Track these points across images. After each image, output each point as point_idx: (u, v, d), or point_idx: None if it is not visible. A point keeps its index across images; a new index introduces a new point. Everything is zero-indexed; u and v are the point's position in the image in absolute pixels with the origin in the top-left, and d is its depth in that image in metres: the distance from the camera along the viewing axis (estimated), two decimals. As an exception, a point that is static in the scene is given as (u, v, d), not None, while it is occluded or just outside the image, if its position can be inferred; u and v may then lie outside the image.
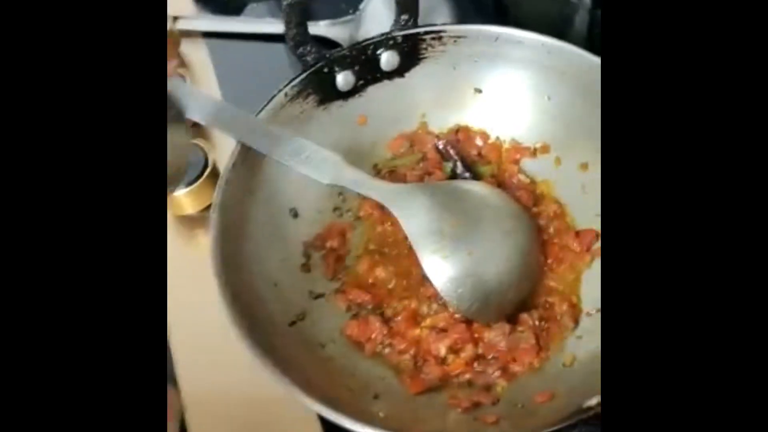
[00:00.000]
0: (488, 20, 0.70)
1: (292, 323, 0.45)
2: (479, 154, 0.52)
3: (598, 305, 0.46)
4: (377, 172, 0.52)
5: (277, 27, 0.69)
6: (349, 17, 0.71)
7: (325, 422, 0.47)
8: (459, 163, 0.51)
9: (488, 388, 0.43)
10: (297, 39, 0.49)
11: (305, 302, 0.47)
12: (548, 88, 0.51)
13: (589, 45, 0.61)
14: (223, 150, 0.52)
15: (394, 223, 0.49)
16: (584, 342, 0.44)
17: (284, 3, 0.48)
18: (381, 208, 0.49)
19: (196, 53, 0.71)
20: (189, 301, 0.46)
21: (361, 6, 0.69)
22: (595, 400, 0.37)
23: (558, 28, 0.62)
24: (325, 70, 0.50)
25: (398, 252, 0.49)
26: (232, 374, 0.46)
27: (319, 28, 0.70)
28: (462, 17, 0.68)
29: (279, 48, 0.70)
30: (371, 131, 0.53)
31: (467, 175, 0.51)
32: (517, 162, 0.52)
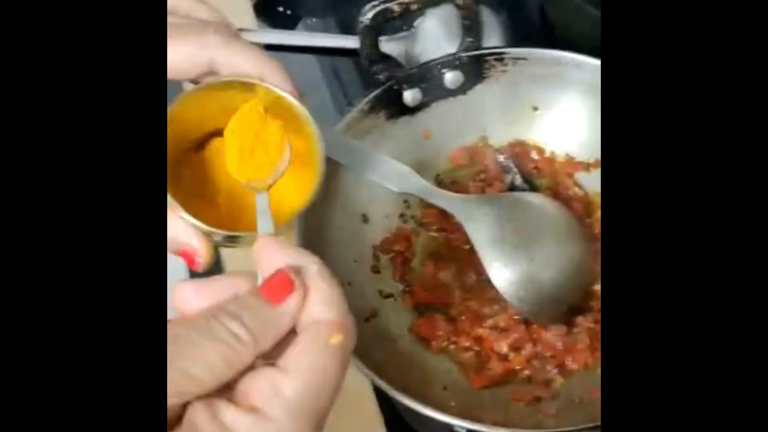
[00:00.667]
0: (537, 42, 0.74)
1: (367, 319, 0.49)
2: (535, 168, 0.56)
3: (648, 310, 0.49)
4: (439, 182, 0.56)
5: (334, 41, 0.74)
6: (404, 33, 0.74)
7: (386, 414, 0.52)
8: (518, 176, 0.55)
9: (547, 383, 0.47)
10: (371, 57, 0.53)
11: (376, 301, 0.51)
12: (600, 108, 0.54)
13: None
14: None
15: (454, 230, 0.53)
16: (636, 344, 0.48)
17: (361, 24, 0.52)
18: (442, 216, 0.53)
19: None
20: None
21: (416, 23, 0.73)
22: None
23: (599, 48, 0.65)
24: (395, 87, 0.54)
25: (458, 256, 0.53)
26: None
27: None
28: (513, 39, 0.72)
29: (336, 61, 0.74)
30: (435, 144, 0.57)
31: (525, 187, 0.55)
32: (571, 176, 0.56)
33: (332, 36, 0.74)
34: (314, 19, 0.81)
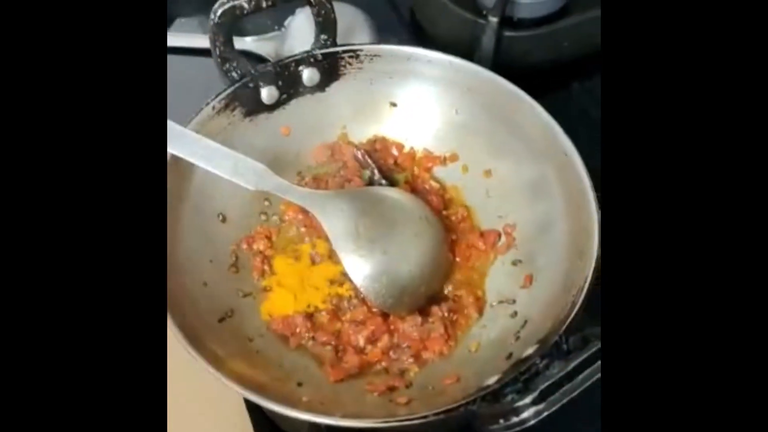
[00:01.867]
0: (407, 39, 0.76)
1: (221, 320, 0.49)
2: (395, 163, 0.57)
3: (501, 297, 0.51)
4: (301, 179, 0.56)
5: (205, 41, 0.73)
6: (274, 33, 0.74)
7: (254, 415, 0.51)
8: (376, 171, 0.56)
9: (402, 373, 0.48)
10: (223, 56, 0.53)
11: (234, 300, 0.50)
12: (456, 102, 0.56)
13: (495, 60, 0.67)
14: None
15: (315, 226, 0.53)
16: (487, 330, 0.50)
17: (211, 22, 0.51)
18: (304, 212, 0.53)
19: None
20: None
21: (286, 23, 0.73)
22: (492, 380, 0.42)
23: (468, 46, 0.67)
24: (251, 84, 0.54)
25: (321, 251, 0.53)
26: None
27: (245, 43, 0.74)
28: (382, 36, 0.73)
29: (208, 62, 0.73)
30: (295, 141, 0.57)
31: (383, 182, 0.55)
32: (429, 170, 0.57)
33: (199, 36, 0.73)
34: (185, 19, 0.79)
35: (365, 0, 0.78)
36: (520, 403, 0.36)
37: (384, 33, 0.76)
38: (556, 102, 0.71)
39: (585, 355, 0.38)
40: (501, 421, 0.37)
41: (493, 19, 0.66)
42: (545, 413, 0.36)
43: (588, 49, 0.72)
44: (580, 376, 0.37)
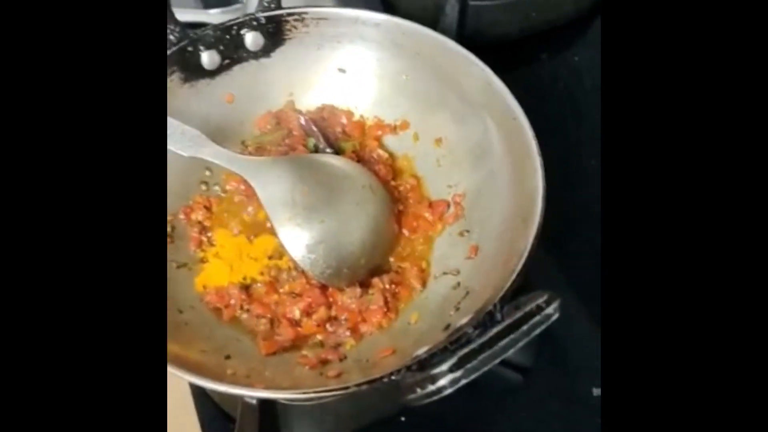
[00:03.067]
0: (372, 6, 0.73)
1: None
2: (344, 132, 0.55)
3: (445, 269, 0.49)
4: (245, 148, 0.54)
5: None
6: (237, 6, 0.72)
7: (194, 390, 0.49)
8: (321, 139, 0.53)
9: (337, 346, 0.46)
10: (160, 18, 0.50)
11: (168, 271, 0.48)
12: (405, 67, 0.53)
13: (460, 31, 0.64)
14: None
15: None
16: (430, 302, 0.47)
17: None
18: (246, 182, 0.51)
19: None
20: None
21: (248, -7, 0.71)
22: (422, 350, 0.40)
23: (434, 16, 0.65)
24: (190, 48, 0.52)
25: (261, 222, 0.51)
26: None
27: (208, 16, 0.72)
28: (347, 3, 0.70)
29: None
30: (239, 109, 0.54)
31: (329, 150, 0.53)
32: (378, 138, 0.54)
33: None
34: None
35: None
36: (437, 370, 0.34)
37: (347, 3, 0.74)
38: (525, 74, 0.69)
39: (508, 321, 0.35)
40: (418, 389, 0.34)
41: (457, -13, 0.63)
42: (463, 381, 0.34)
43: (556, 18, 0.69)
44: (501, 343, 0.35)
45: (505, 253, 0.45)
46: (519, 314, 0.36)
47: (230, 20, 0.53)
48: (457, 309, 0.44)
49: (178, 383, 0.48)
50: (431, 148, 0.53)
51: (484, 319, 0.40)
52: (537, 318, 0.35)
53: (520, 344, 0.35)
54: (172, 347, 0.42)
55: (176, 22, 0.51)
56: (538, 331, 0.35)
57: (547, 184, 0.44)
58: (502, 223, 0.46)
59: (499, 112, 0.48)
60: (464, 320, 0.41)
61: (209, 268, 0.49)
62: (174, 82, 0.52)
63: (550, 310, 0.35)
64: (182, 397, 0.50)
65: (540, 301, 0.36)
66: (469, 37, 0.65)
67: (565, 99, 0.68)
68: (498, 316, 0.39)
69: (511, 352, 0.35)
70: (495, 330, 0.35)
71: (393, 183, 0.52)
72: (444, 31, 0.64)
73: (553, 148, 0.46)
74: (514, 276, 0.41)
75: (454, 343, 0.39)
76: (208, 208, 0.52)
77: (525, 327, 0.35)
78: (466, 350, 0.35)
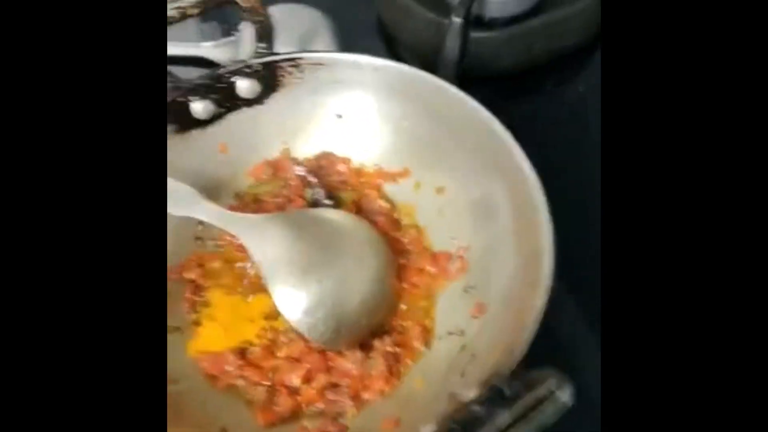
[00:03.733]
0: (371, 42, 0.72)
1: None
2: (342, 181, 0.53)
3: (450, 329, 0.46)
4: (240, 199, 0.52)
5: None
6: (231, 38, 0.71)
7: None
8: (320, 190, 0.51)
9: (338, 417, 0.44)
10: (149, 69, 0.48)
11: (160, 336, 0.46)
12: (404, 113, 0.51)
13: (462, 64, 0.63)
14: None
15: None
16: (434, 365, 0.45)
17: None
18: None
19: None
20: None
21: (240, 27, 0.69)
22: (428, 428, 0.38)
23: (435, 49, 0.63)
24: (181, 99, 0.50)
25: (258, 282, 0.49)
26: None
27: (200, 49, 0.70)
28: (345, 40, 0.69)
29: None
30: (233, 159, 0.52)
31: (327, 202, 0.51)
32: (378, 187, 0.52)
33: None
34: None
35: (328, 1, 0.74)
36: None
37: (347, 37, 0.72)
38: (527, 108, 0.67)
39: (520, 408, 0.33)
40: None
41: (457, 20, 0.61)
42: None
43: (560, 49, 0.67)
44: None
45: (512, 314, 0.42)
46: (530, 399, 0.34)
47: (222, 68, 0.51)
48: (462, 375, 0.42)
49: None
50: (433, 197, 0.51)
51: (492, 395, 0.37)
52: (550, 407, 0.33)
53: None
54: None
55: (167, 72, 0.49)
56: (551, 419, 0.33)
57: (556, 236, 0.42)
58: (508, 279, 0.44)
59: (503, 162, 0.46)
60: (470, 394, 0.38)
61: (203, 332, 0.47)
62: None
63: (564, 397, 0.33)
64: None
65: (550, 384, 0.34)
66: (471, 68, 0.63)
67: (570, 129, 0.66)
68: (507, 392, 0.37)
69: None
70: (509, 418, 0.33)
71: (394, 235, 0.50)
72: (444, 65, 0.62)
73: (558, 178, 0.44)
74: (521, 347, 0.39)
75: (459, 422, 0.37)
76: (201, 266, 0.50)
77: (537, 414, 0.33)
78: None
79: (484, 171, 0.48)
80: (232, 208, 0.49)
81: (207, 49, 0.70)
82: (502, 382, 0.38)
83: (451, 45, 0.62)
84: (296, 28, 0.67)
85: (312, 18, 0.70)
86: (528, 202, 0.44)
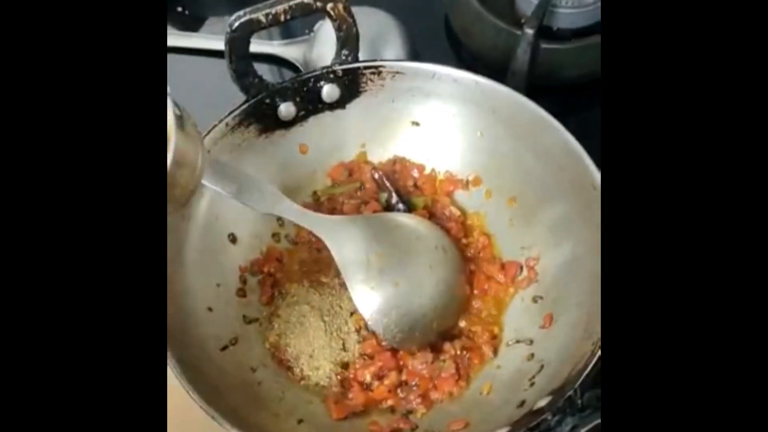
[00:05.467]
0: (440, 49, 0.73)
1: (224, 348, 0.47)
2: (415, 185, 0.55)
3: (518, 337, 0.48)
4: (316, 198, 0.54)
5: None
6: (303, 38, 0.72)
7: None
8: (394, 194, 0.53)
9: (408, 414, 0.46)
10: (239, 71, 0.51)
11: (239, 327, 0.49)
12: (480, 123, 0.53)
13: (530, 72, 0.64)
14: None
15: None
16: (501, 372, 0.47)
17: (226, 36, 0.50)
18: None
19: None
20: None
21: (316, 27, 0.71)
22: (501, 431, 0.40)
23: (503, 57, 0.64)
24: (267, 100, 0.52)
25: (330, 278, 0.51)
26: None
27: (274, 47, 0.72)
28: (414, 47, 0.70)
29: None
30: (312, 159, 0.54)
31: (401, 206, 0.53)
32: (450, 194, 0.54)
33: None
34: (217, 18, 0.78)
35: (399, 5, 0.75)
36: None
37: (417, 40, 0.74)
38: (591, 120, 0.68)
39: (593, 418, 0.35)
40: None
41: (529, 31, 0.62)
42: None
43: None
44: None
45: (582, 327, 0.44)
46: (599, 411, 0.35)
47: (308, 73, 0.53)
48: (532, 384, 0.44)
49: None
50: (504, 207, 0.53)
51: (564, 404, 0.39)
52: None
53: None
54: (247, 410, 0.43)
55: (254, 74, 0.51)
56: None
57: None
58: (578, 295, 0.46)
59: (578, 179, 0.48)
60: (543, 402, 0.40)
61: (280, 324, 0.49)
62: (251, 133, 0.52)
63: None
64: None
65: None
66: (539, 78, 0.64)
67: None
68: (579, 403, 0.39)
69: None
70: (587, 428, 0.35)
71: (464, 241, 0.52)
72: (513, 74, 0.64)
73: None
74: (595, 359, 0.40)
75: (532, 428, 0.39)
76: (279, 260, 0.52)
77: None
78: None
79: (557, 185, 0.49)
80: (309, 207, 0.51)
81: (281, 47, 0.72)
82: (574, 392, 0.39)
83: (522, 55, 0.63)
84: (368, 31, 0.68)
85: (383, 21, 0.71)
86: (598, 213, 0.45)
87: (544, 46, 0.64)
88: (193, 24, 0.78)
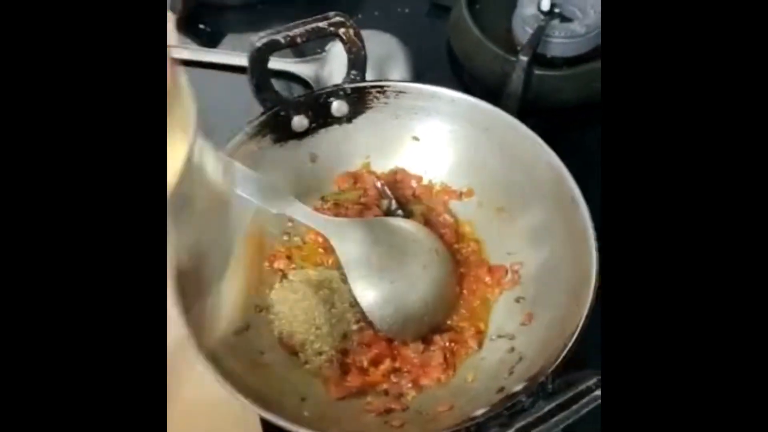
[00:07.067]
0: (442, 71, 0.78)
1: (237, 332, 0.52)
2: (413, 194, 0.60)
3: (501, 332, 0.54)
4: (324, 203, 0.60)
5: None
6: (316, 56, 0.78)
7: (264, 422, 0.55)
8: (393, 201, 0.59)
9: (400, 397, 0.51)
10: (259, 86, 0.56)
11: (250, 315, 0.54)
12: (474, 140, 0.59)
13: (523, 96, 0.69)
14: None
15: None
16: (485, 362, 0.52)
17: (249, 55, 0.55)
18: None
19: (174, 80, 0.78)
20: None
21: (327, 47, 0.76)
22: (480, 411, 0.45)
23: (499, 80, 0.70)
24: (282, 113, 0.58)
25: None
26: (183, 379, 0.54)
27: (288, 65, 0.78)
28: (417, 68, 0.76)
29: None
30: (321, 168, 0.60)
31: (399, 212, 0.58)
32: (445, 203, 0.60)
33: (243, 55, 0.77)
34: (235, 35, 0.84)
35: (405, 30, 0.81)
36: (491, 433, 0.39)
37: (420, 62, 0.79)
38: (577, 140, 0.74)
39: (560, 400, 0.40)
40: (474, 450, 0.39)
41: (524, 59, 0.68)
42: (515, 449, 0.39)
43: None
44: (554, 419, 0.40)
45: (558, 324, 0.49)
46: (570, 393, 0.41)
47: (320, 90, 0.59)
48: (511, 373, 0.49)
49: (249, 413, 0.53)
50: (493, 217, 0.58)
51: (537, 389, 0.44)
52: (586, 399, 0.40)
53: (570, 420, 0.40)
54: (259, 388, 0.48)
55: (272, 89, 0.57)
56: (585, 411, 0.40)
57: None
58: (556, 296, 0.51)
59: (559, 193, 0.53)
60: (518, 387, 0.46)
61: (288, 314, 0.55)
62: (267, 141, 0.57)
63: (598, 392, 0.40)
64: (253, 426, 0.56)
65: (590, 383, 0.41)
66: (531, 101, 0.70)
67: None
68: (549, 387, 0.44)
69: (562, 426, 0.40)
70: (549, 406, 0.40)
71: (456, 246, 0.58)
72: (507, 97, 0.69)
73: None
74: (564, 352, 0.45)
75: (509, 408, 0.44)
76: (289, 258, 0.57)
77: (575, 406, 0.40)
78: (523, 422, 0.39)
79: (541, 198, 0.55)
80: (317, 210, 0.57)
81: (295, 65, 0.78)
82: (546, 379, 0.45)
83: (516, 79, 0.69)
84: (375, 52, 0.74)
85: (389, 43, 0.76)
86: (580, 230, 0.51)
87: (537, 72, 0.69)
88: (212, 40, 0.83)
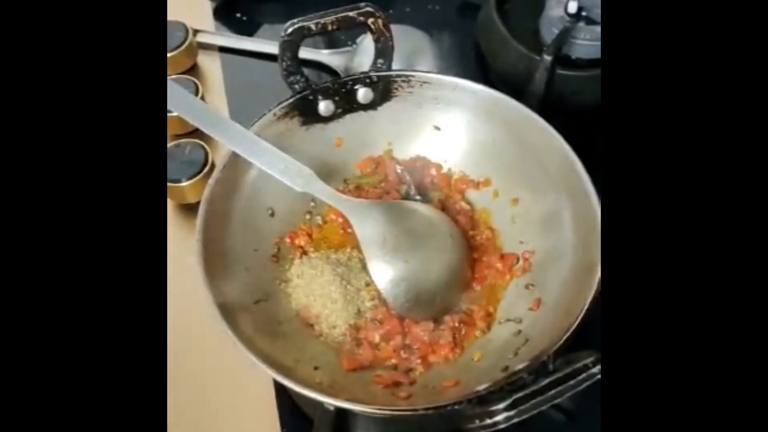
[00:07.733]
0: (468, 68, 0.81)
1: (257, 302, 0.55)
2: (432, 182, 0.63)
3: (509, 316, 0.55)
4: (346, 185, 0.62)
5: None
6: (347, 48, 0.81)
7: (277, 389, 0.58)
8: (413, 187, 0.61)
9: (408, 371, 0.53)
10: (289, 70, 0.59)
11: (271, 287, 0.57)
12: (493, 132, 0.60)
13: (545, 95, 0.71)
14: (221, 152, 0.62)
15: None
16: (492, 343, 0.54)
17: (281, 39, 0.58)
18: (344, 216, 0.59)
19: (210, 65, 0.82)
20: (178, 278, 0.54)
21: (358, 40, 0.79)
22: (483, 386, 0.47)
23: (523, 79, 0.72)
24: (310, 97, 0.60)
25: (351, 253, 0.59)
26: (203, 345, 0.57)
27: (320, 55, 0.81)
28: (444, 63, 0.78)
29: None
30: (345, 152, 0.63)
31: (418, 197, 0.61)
32: (462, 191, 0.62)
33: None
34: (270, 26, 0.87)
35: (435, 26, 0.84)
36: (494, 407, 0.41)
37: (448, 58, 0.82)
38: (596, 139, 0.75)
39: (558, 375, 0.42)
40: (476, 421, 0.41)
41: (548, 58, 0.70)
42: (515, 419, 0.41)
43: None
44: (552, 392, 0.41)
45: (563, 311, 0.51)
46: (569, 369, 0.43)
47: (347, 76, 0.61)
48: (516, 354, 0.51)
49: (263, 381, 0.57)
50: (508, 206, 0.60)
51: (539, 368, 0.46)
52: (584, 375, 0.42)
53: (568, 395, 0.42)
54: (274, 354, 0.50)
55: (301, 74, 0.60)
56: (583, 386, 0.42)
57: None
58: (563, 284, 0.53)
59: (572, 186, 0.55)
60: (521, 365, 0.47)
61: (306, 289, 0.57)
62: (294, 124, 0.60)
63: (595, 370, 0.42)
64: (265, 394, 0.59)
65: (588, 360, 0.42)
66: (553, 100, 0.72)
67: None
68: (551, 366, 0.46)
69: (559, 400, 0.41)
70: (547, 380, 0.42)
71: (471, 233, 0.60)
72: (530, 95, 0.71)
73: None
74: (568, 334, 0.47)
75: (511, 384, 0.46)
76: (309, 235, 0.60)
77: (572, 381, 0.42)
78: (521, 394, 0.41)
79: (555, 190, 0.57)
80: (339, 192, 0.59)
81: (326, 56, 0.81)
82: (548, 358, 0.47)
83: (539, 78, 0.71)
84: (404, 46, 0.76)
85: (418, 39, 0.79)
86: (588, 221, 0.53)
87: (560, 72, 0.71)
88: (248, 29, 0.87)
